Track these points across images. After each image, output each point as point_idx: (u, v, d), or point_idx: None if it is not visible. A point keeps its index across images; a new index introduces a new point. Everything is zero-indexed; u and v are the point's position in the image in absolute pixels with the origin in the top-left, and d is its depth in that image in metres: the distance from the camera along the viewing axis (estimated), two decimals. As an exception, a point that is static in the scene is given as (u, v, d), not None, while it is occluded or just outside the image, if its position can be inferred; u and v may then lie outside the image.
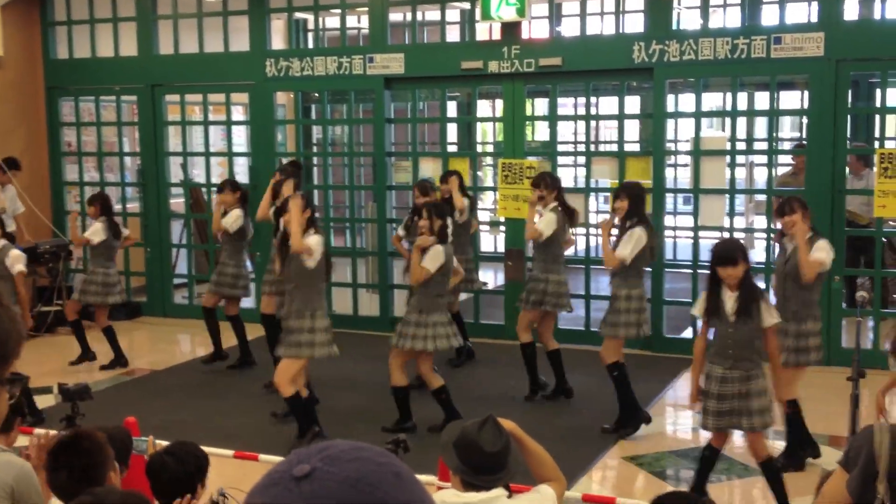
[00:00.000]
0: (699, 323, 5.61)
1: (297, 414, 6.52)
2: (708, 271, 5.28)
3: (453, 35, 12.16)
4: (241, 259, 8.46)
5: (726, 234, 9.13)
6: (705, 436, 6.63)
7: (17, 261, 7.38)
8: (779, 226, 6.17)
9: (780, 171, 10.61)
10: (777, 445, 6.04)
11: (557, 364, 7.49)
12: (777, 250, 6.15)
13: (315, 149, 13.22)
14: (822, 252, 5.85)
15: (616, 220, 6.75)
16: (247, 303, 9.26)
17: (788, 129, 14.82)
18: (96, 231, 8.45)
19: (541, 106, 12.32)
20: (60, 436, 3.22)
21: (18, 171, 10.16)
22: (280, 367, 6.45)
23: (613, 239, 6.88)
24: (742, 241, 5.52)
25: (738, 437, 6.33)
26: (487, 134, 14.84)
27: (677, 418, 7.42)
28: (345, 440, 1.12)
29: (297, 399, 6.46)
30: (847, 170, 8.79)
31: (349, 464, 1.06)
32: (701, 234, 9.05)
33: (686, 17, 12.17)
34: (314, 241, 6.29)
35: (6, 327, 1.31)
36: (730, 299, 5.15)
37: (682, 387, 7.98)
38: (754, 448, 5.29)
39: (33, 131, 11.14)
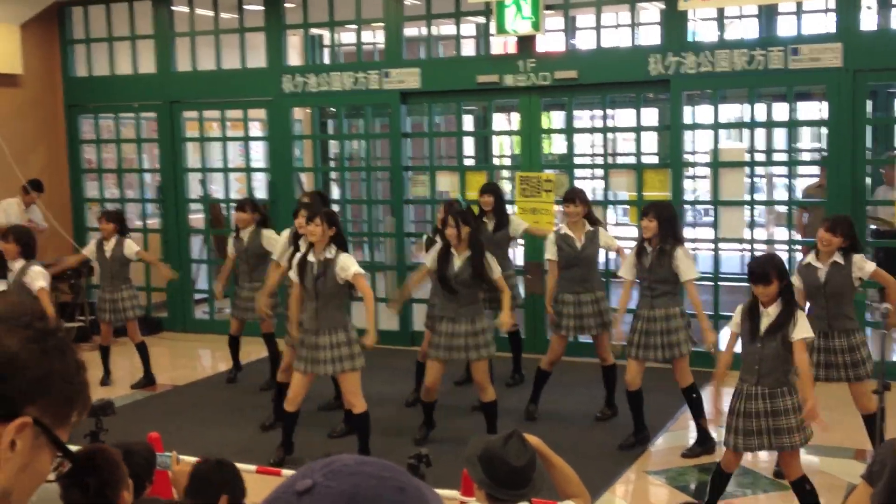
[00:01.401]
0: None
1: (362, 431, 6.44)
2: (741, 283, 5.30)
3: (469, 49, 12.19)
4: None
5: (747, 246, 9.11)
6: (720, 449, 6.61)
7: (36, 278, 7.13)
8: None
9: (800, 182, 10.58)
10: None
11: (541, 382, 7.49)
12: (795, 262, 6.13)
13: (332, 163, 13.26)
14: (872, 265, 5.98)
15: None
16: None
17: (808, 140, 14.77)
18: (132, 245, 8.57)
19: (557, 119, 12.33)
20: (75, 452, 3.22)
21: (41, 193, 10.25)
22: (348, 387, 6.34)
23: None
24: (777, 257, 5.40)
25: (764, 452, 6.30)
26: (504, 147, 14.85)
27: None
28: (352, 454, 1.13)
29: (367, 416, 6.40)
30: (869, 180, 8.75)
31: (349, 478, 1.06)
32: (721, 245, 9.01)
33: (702, 29, 12.16)
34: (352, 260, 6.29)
35: (71, 372, 1.26)
36: (765, 316, 5.10)
37: (704, 399, 7.93)
38: (785, 467, 5.25)
39: (53, 149, 11.23)
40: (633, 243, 7.78)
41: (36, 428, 1.25)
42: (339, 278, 6.16)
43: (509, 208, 8.80)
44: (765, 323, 5.09)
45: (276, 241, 7.97)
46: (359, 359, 6.29)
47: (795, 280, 5.96)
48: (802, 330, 5.04)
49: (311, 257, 6.27)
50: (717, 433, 6.89)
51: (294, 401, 6.46)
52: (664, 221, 6.54)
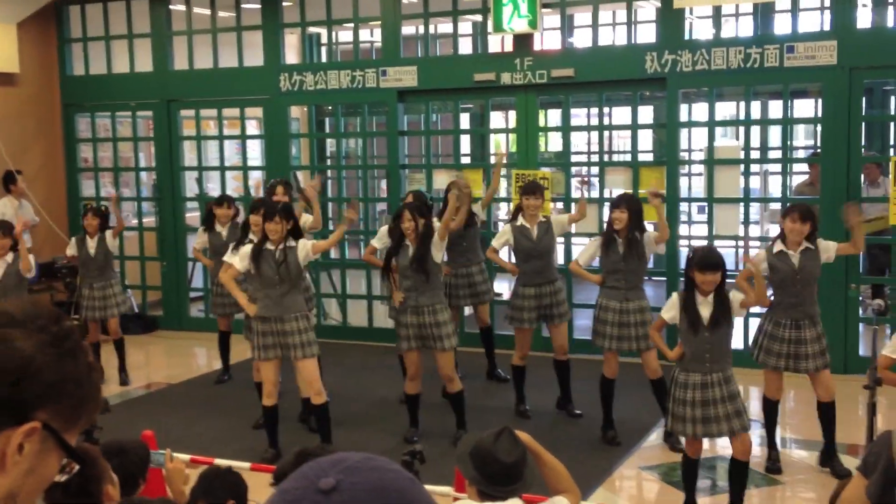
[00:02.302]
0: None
1: (325, 422, 6.53)
2: (684, 276, 5.42)
3: (466, 47, 12.19)
4: None
5: (741, 243, 9.13)
6: (720, 444, 6.63)
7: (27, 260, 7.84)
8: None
9: (795, 179, 10.59)
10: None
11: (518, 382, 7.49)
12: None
13: (329, 161, 13.27)
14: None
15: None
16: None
17: (803, 138, 14.79)
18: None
19: (554, 117, 12.34)
20: None
21: (20, 175, 10.20)
22: (313, 373, 6.43)
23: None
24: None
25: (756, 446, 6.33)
26: (501, 145, 14.85)
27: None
28: (354, 452, 1.14)
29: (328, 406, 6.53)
30: (862, 178, 8.77)
31: (370, 473, 1.08)
32: (716, 243, 9.01)
33: (698, 27, 12.18)
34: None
35: (83, 373, 1.28)
36: (703, 305, 5.26)
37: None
38: (743, 447, 5.33)
39: (50, 147, 11.23)
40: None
41: (44, 432, 1.25)
42: (300, 262, 6.40)
43: (503, 206, 8.84)
44: (705, 312, 5.25)
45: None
46: (317, 346, 6.52)
47: (764, 268, 6.06)
48: (736, 301, 5.29)
49: (268, 245, 6.38)
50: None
51: (272, 393, 6.50)
52: (634, 213, 6.66)
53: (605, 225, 9.49)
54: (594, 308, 6.96)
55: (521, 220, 7.22)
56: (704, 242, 8.92)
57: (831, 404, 6.08)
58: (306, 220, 7.63)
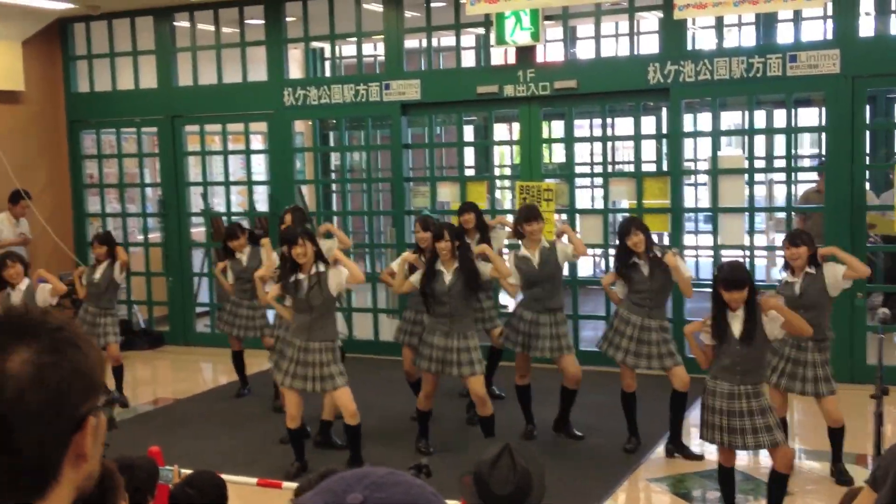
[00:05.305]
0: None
1: (357, 442, 6.51)
2: (712, 291, 5.31)
3: (468, 60, 12.22)
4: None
5: (747, 253, 9.11)
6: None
7: (43, 292, 7.61)
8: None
9: (800, 188, 10.58)
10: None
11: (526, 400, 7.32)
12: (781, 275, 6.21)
13: (333, 175, 13.29)
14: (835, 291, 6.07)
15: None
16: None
17: (808, 146, 14.78)
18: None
19: (557, 128, 12.36)
20: None
21: (27, 199, 10.18)
22: (343, 401, 6.35)
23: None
24: (744, 264, 5.54)
25: (765, 458, 6.31)
26: (505, 157, 14.87)
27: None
28: (374, 467, 1.14)
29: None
30: (868, 185, 8.77)
31: (395, 488, 1.08)
32: (721, 252, 9.02)
33: (701, 38, 12.19)
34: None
35: (95, 357, 1.32)
36: (735, 320, 5.20)
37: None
38: (784, 461, 5.30)
39: (55, 164, 11.27)
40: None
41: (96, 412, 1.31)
42: (332, 290, 6.27)
43: (508, 217, 8.82)
44: (736, 326, 5.18)
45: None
46: (345, 375, 6.40)
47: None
48: (774, 328, 5.19)
49: (300, 275, 6.30)
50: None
51: (295, 418, 6.43)
52: (647, 233, 6.62)
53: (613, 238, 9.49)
54: (611, 317, 6.88)
55: (522, 250, 6.98)
56: (710, 252, 8.92)
57: (838, 429, 6.04)
58: (330, 245, 7.49)
